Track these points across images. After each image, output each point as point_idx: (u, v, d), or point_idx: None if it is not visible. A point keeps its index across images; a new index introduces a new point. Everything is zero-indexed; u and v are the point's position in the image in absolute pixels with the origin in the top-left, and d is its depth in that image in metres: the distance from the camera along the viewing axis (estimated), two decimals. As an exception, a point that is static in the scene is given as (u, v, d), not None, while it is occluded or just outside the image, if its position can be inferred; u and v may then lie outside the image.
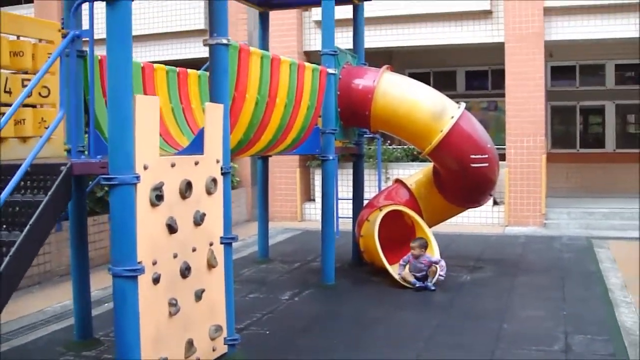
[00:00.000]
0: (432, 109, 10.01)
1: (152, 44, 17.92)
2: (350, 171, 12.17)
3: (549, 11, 15.43)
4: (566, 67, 20.22)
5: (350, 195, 11.97)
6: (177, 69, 8.85)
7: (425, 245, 9.61)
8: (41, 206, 4.88)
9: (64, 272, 10.50)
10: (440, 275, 9.44)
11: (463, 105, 10.16)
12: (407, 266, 9.55)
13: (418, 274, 9.45)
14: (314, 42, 16.97)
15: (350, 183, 12.04)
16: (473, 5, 15.82)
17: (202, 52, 16.61)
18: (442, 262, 9.49)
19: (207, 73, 8.90)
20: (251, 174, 17.07)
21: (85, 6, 5.94)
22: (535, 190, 15.40)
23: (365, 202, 11.39)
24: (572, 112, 20.49)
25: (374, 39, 16.10)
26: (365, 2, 11.65)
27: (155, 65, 8.36)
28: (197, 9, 17.61)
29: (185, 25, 17.79)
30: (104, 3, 5.05)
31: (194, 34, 17.69)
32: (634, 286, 9.53)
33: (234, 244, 6.71)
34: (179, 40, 18.10)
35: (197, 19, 17.62)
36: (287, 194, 17.19)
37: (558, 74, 20.37)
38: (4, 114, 6.06)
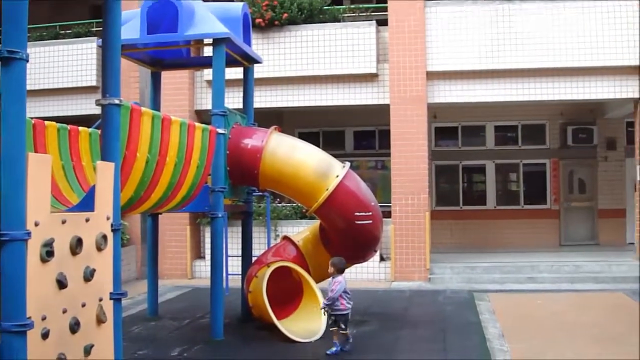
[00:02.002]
0: (318, 168, 10.37)
1: (42, 100, 17.68)
2: (240, 229, 12.36)
3: (431, 75, 16.17)
4: (449, 128, 21.03)
5: (240, 252, 12.15)
6: (68, 126, 8.91)
7: (337, 266, 9.31)
8: None
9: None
10: (324, 302, 9.20)
11: (348, 164, 10.56)
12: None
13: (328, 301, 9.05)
14: (205, 101, 17.15)
15: (240, 240, 12.22)
16: (360, 69, 16.38)
17: (93, 108, 16.71)
18: (331, 295, 9.00)
19: (98, 131, 9.05)
20: (141, 231, 16.98)
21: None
22: (420, 246, 15.89)
23: (254, 259, 11.57)
24: (455, 171, 21.28)
25: (264, 99, 16.48)
26: (255, 65, 12.01)
27: (46, 122, 8.42)
28: (88, 66, 17.53)
29: (77, 81, 17.67)
30: (-2, 62, 5.19)
31: (85, 91, 17.58)
32: (511, 335, 10.05)
33: (124, 302, 6.80)
34: (70, 97, 17.91)
35: (89, 76, 17.55)
36: (177, 252, 17.15)
37: (442, 134, 21.16)
38: None
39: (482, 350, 9.25)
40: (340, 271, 9.32)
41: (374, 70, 16.37)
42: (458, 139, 21.18)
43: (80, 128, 9.22)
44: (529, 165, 20.87)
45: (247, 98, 11.94)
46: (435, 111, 18.31)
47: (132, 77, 16.90)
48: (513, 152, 20.75)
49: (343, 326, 9.08)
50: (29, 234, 5.07)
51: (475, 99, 16.28)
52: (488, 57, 15.83)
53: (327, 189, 10.16)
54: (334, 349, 9.05)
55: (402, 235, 15.98)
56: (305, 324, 10.20)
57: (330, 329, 9.25)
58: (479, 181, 21.74)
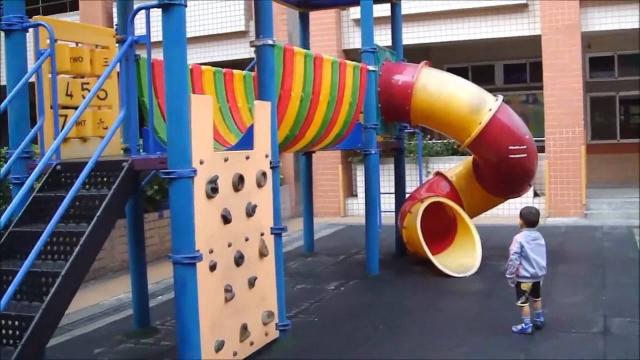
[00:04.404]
0: (470, 102, 10.23)
1: (195, 47, 18.23)
2: (392, 166, 12.41)
3: (584, 2, 15.47)
4: (604, 58, 20.14)
5: (392, 189, 12.23)
6: (223, 69, 9.17)
7: (524, 217, 7.18)
8: (106, 199, 5.23)
9: (118, 267, 10.92)
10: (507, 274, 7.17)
11: (500, 97, 10.35)
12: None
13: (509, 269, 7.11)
14: (353, 40, 17.20)
15: (392, 178, 12.30)
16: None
17: (243, 53, 17.12)
18: (510, 255, 7.10)
19: (252, 73, 9.28)
20: (294, 171, 17.38)
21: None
22: (576, 181, 15.46)
23: (407, 195, 11.62)
24: (611, 103, 20.43)
25: (411, 35, 16.31)
26: (402, 0, 11.89)
27: (202, 67, 8.70)
28: (237, 12, 17.92)
29: (227, 27, 18.11)
30: (158, 9, 5.42)
31: (235, 36, 18.05)
32: (674, 272, 9.66)
33: (280, 238, 7.02)
34: (221, 42, 18.44)
35: (238, 21, 17.94)
36: (330, 190, 17.47)
37: (596, 65, 20.31)
38: (65, 115, 6.47)
39: (644, 286, 8.97)
40: (530, 224, 7.14)
41: (523, 0, 15.85)
42: (614, 70, 20.26)
43: (235, 71, 9.46)
44: (694, 95, 19.76)
45: (396, 34, 11.85)
46: (589, 40, 17.54)
47: (280, 20, 17.09)
48: (676, 82, 19.70)
49: (523, 298, 7.07)
50: (194, 171, 5.33)
51: (633, 25, 15.43)
52: (649, -23, 14.97)
53: (480, 123, 10.02)
54: (519, 326, 7.07)
55: (556, 170, 15.59)
56: (460, 259, 10.20)
57: (518, 304, 7.14)
58: (637, 113, 20.77)
